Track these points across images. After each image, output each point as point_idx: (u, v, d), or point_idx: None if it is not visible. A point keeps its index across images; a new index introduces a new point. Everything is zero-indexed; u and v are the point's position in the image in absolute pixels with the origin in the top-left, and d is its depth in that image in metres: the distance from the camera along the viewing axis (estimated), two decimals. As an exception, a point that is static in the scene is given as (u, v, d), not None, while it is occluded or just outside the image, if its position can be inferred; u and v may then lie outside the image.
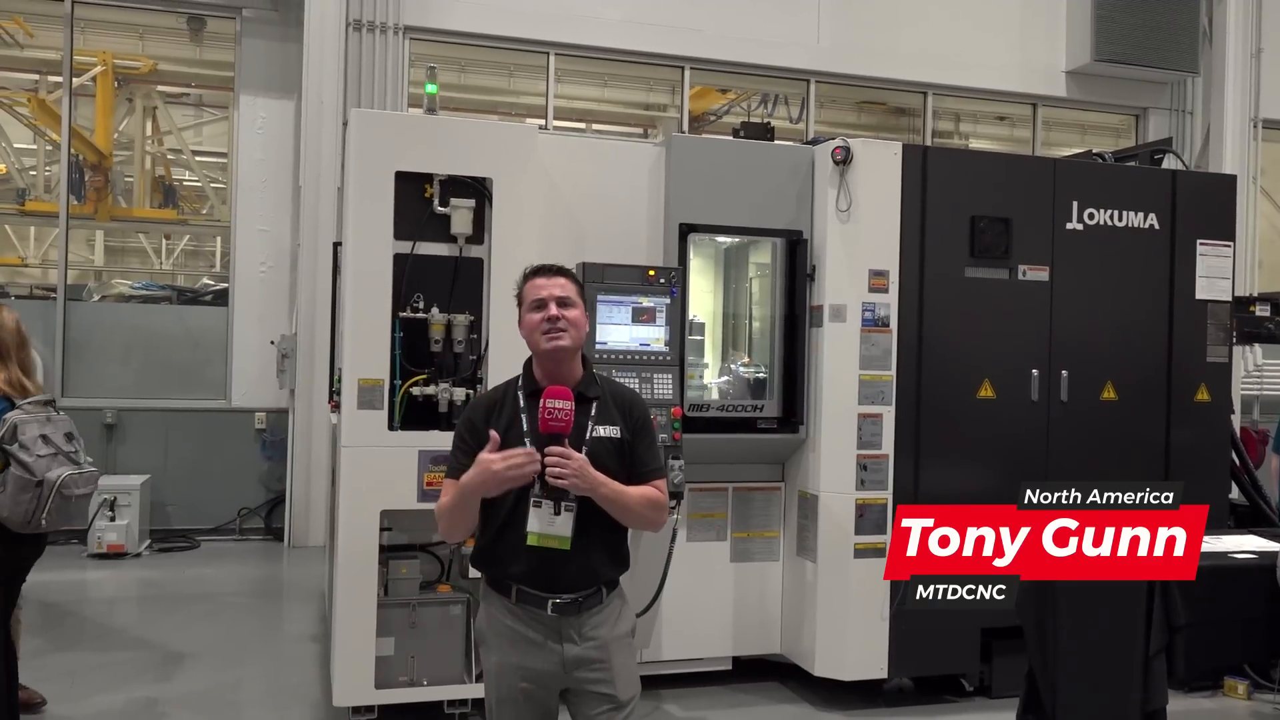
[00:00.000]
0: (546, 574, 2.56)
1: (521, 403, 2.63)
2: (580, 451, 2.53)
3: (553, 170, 4.66)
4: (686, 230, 4.78)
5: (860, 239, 4.80)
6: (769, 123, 5.50)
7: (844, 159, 4.77)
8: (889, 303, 4.79)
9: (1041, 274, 5.02)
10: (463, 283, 4.39)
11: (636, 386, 4.54)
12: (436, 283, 4.35)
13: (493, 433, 2.49)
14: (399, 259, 4.29)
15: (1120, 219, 5.15)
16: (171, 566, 7.61)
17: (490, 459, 2.44)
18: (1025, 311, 5.00)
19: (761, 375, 5.08)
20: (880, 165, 4.81)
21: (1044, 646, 3.94)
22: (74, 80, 11.46)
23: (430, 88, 4.39)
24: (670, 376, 4.61)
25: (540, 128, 7.20)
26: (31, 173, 11.92)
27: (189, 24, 9.23)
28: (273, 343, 8.33)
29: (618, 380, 3.01)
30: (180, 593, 6.89)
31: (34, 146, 11.90)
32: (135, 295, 10.05)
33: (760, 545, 5.09)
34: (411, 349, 4.31)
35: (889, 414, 4.79)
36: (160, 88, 12.83)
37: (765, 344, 5.10)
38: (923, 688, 5.02)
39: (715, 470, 4.96)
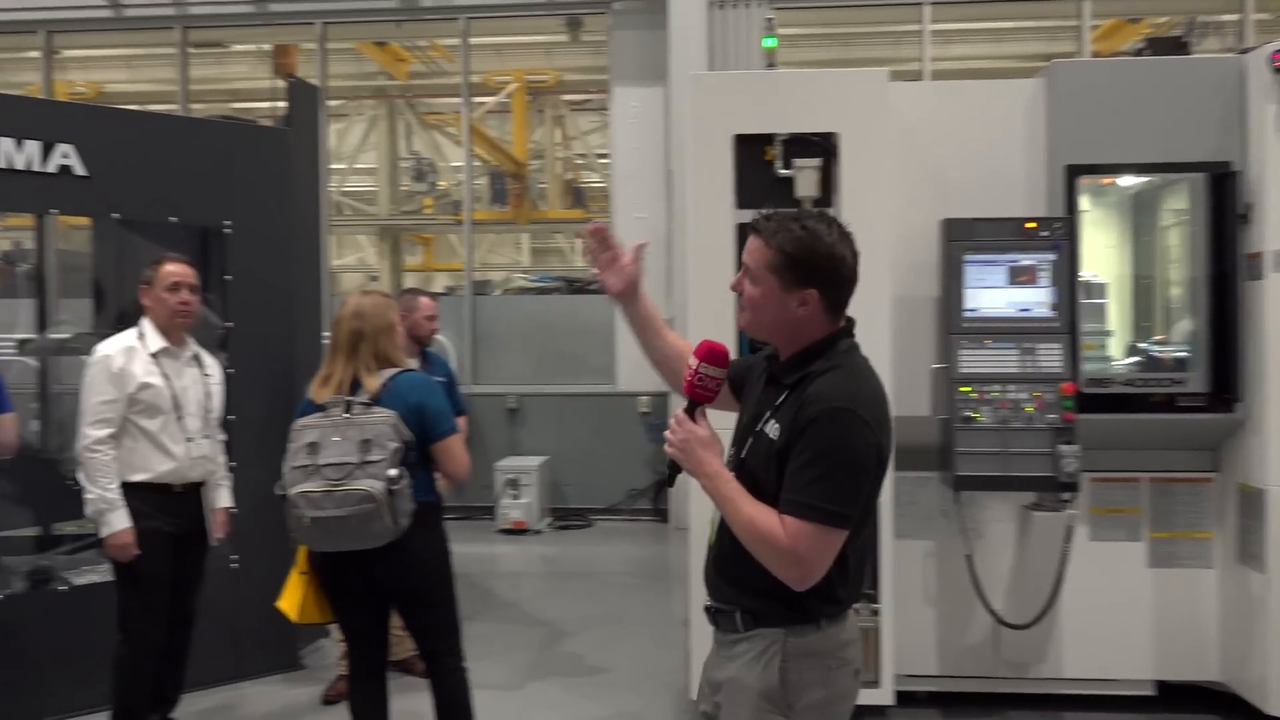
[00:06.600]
0: (707, 567, 2.18)
1: (764, 364, 2.19)
2: (746, 444, 2.06)
3: (908, 120, 4.14)
4: (1074, 173, 4.04)
5: (1316, 164, 3.76)
6: (1183, 38, 4.52)
7: (1290, 64, 3.76)
8: (1360, 243, 3.72)
9: None
10: (811, 251, 4.03)
11: (1017, 358, 3.92)
12: (782, 253, 4.04)
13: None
14: (742, 229, 4.03)
15: None
16: (567, 544, 8.05)
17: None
18: None
19: (1182, 343, 4.18)
20: (1344, 66, 3.74)
21: None
22: (490, 99, 12.66)
23: (769, 41, 4.08)
24: (1059, 346, 3.92)
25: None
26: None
27: (567, 25, 9.69)
28: (652, 327, 8.48)
29: (867, 375, 2.05)
30: (572, 570, 7.23)
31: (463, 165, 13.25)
32: (531, 288, 10.84)
33: (1188, 548, 4.22)
34: (757, 325, 4.04)
35: (1364, 386, 3.72)
36: (565, 97, 13.83)
37: (1186, 305, 4.19)
38: None
39: (1123, 457, 4.17)
